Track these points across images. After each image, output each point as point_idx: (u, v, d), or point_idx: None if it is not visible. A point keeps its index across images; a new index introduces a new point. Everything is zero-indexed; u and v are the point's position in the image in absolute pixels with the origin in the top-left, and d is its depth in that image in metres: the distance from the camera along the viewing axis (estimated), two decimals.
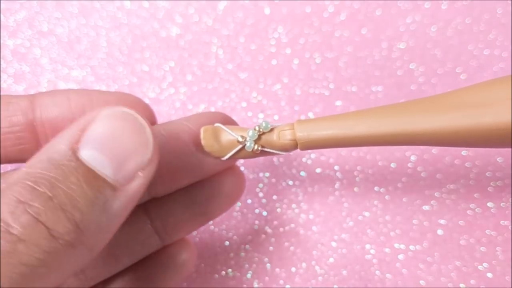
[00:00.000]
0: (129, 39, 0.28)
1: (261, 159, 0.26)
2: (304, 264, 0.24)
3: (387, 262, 0.24)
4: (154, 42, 0.28)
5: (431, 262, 0.24)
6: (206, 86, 0.27)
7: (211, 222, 0.25)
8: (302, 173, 0.26)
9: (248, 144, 0.18)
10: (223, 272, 0.25)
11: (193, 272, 0.25)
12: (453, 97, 0.17)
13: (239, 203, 0.26)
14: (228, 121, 0.20)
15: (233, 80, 0.27)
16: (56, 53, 0.28)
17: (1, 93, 0.27)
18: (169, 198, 0.20)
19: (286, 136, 0.18)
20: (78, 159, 0.14)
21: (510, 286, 0.23)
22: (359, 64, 0.27)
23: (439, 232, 0.24)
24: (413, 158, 0.25)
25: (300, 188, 0.25)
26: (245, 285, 0.24)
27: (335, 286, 0.24)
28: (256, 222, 0.25)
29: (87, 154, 0.14)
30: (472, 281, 0.23)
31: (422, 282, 0.24)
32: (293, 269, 0.24)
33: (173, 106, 0.27)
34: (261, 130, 0.18)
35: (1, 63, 0.28)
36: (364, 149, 0.26)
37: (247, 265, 0.25)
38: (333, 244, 0.25)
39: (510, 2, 0.27)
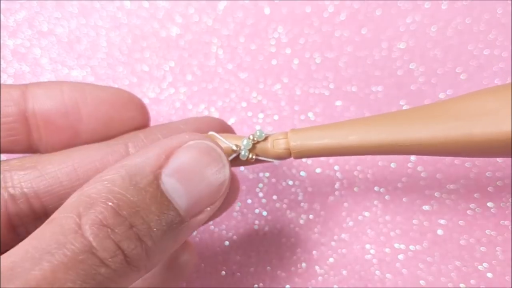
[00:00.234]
0: (129, 39, 0.28)
1: None
2: (304, 264, 0.25)
3: (387, 262, 0.24)
4: (154, 42, 0.28)
5: (431, 262, 0.24)
6: (206, 86, 0.27)
7: (211, 222, 0.25)
8: (302, 173, 0.26)
9: (242, 153, 0.18)
10: (223, 272, 0.25)
11: (193, 272, 0.25)
12: (447, 106, 0.17)
13: (239, 203, 0.26)
14: (225, 128, 0.21)
15: (233, 80, 0.27)
16: (56, 53, 0.28)
17: None
18: None
19: (280, 145, 0.18)
20: (159, 187, 0.15)
21: (510, 286, 0.23)
22: (359, 64, 0.27)
23: (439, 232, 0.24)
24: (413, 158, 0.25)
25: (300, 188, 0.25)
26: (245, 285, 0.24)
27: (335, 286, 0.24)
28: (256, 222, 0.25)
29: (168, 182, 0.15)
30: (472, 281, 0.23)
31: (422, 282, 0.24)
32: (293, 269, 0.24)
33: (173, 106, 0.27)
34: (255, 139, 0.18)
35: (1, 63, 0.28)
36: None
37: (247, 265, 0.25)
38: (333, 244, 0.25)
39: (510, 2, 0.27)
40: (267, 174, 0.26)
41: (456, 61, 0.26)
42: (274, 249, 0.25)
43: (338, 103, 0.26)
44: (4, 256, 0.13)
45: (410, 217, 0.25)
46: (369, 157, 0.25)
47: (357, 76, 0.27)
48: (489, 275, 0.23)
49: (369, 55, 0.27)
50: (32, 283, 0.12)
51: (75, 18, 0.29)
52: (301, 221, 0.25)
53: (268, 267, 0.25)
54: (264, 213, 0.25)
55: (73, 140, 0.19)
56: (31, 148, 0.20)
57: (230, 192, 0.21)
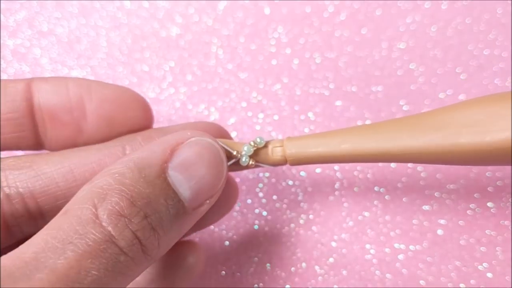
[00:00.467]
0: (129, 39, 0.28)
1: None
2: (304, 264, 0.25)
3: (387, 262, 0.24)
4: (154, 42, 0.28)
5: (431, 262, 0.24)
6: (206, 86, 0.27)
7: None
8: (302, 173, 0.26)
9: (243, 159, 0.19)
10: (223, 272, 0.25)
11: None
12: (436, 116, 0.17)
13: (239, 203, 0.26)
14: (222, 132, 0.21)
15: (233, 80, 0.27)
16: (56, 53, 0.28)
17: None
18: None
19: (277, 153, 0.19)
20: (166, 180, 0.15)
21: (510, 286, 0.23)
22: (359, 64, 0.27)
23: (439, 232, 0.24)
24: None
25: (300, 188, 0.25)
26: (245, 285, 0.24)
27: (335, 286, 0.24)
28: (256, 222, 0.25)
29: (173, 175, 0.16)
30: (472, 281, 0.23)
31: (422, 282, 0.24)
32: (293, 269, 0.24)
33: (173, 106, 0.27)
34: (256, 145, 0.19)
35: (1, 63, 0.28)
36: None
37: (247, 265, 0.25)
38: (333, 244, 0.25)
39: (510, 2, 0.27)
40: (267, 174, 0.26)
41: (456, 61, 0.26)
42: (274, 249, 0.25)
43: (338, 103, 0.26)
44: (22, 246, 0.13)
45: (410, 217, 0.25)
46: None
47: (357, 76, 0.27)
48: (489, 275, 0.23)
49: (369, 55, 0.27)
50: (60, 271, 0.13)
51: (75, 18, 0.29)
52: (301, 221, 0.25)
53: (268, 267, 0.25)
54: (264, 213, 0.25)
55: (76, 137, 0.19)
56: (37, 144, 0.20)
57: (229, 196, 0.21)
